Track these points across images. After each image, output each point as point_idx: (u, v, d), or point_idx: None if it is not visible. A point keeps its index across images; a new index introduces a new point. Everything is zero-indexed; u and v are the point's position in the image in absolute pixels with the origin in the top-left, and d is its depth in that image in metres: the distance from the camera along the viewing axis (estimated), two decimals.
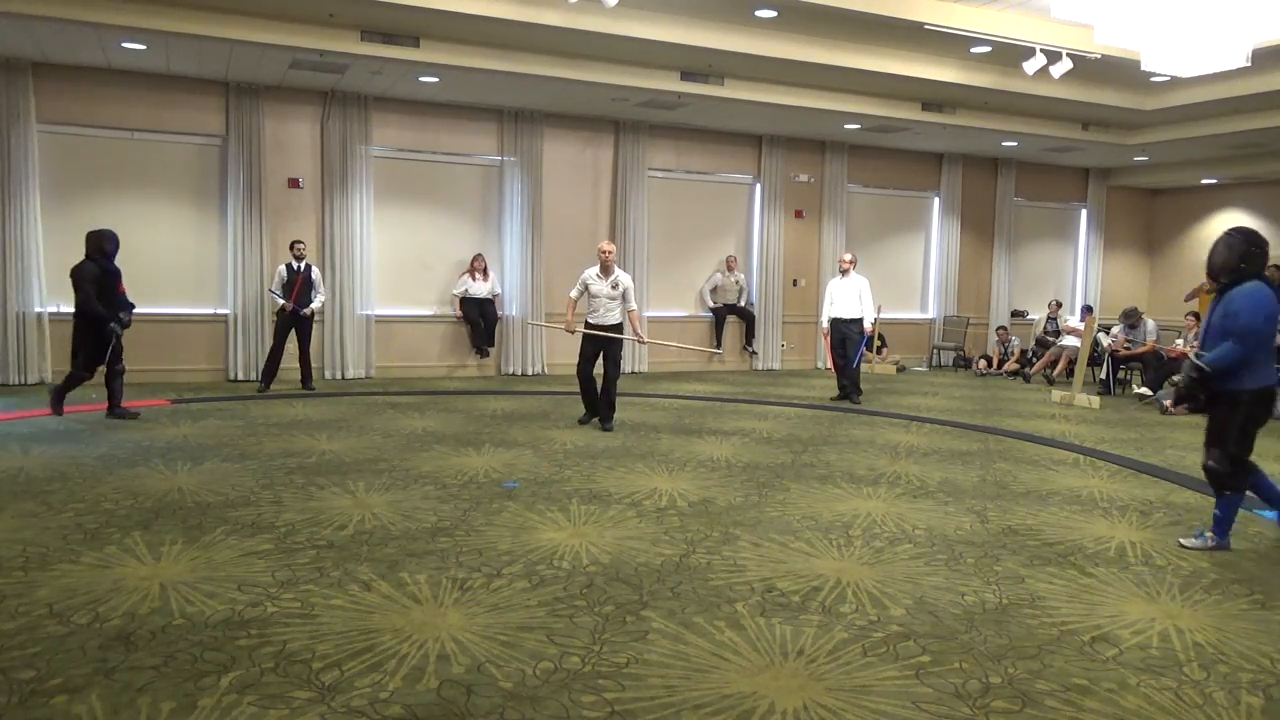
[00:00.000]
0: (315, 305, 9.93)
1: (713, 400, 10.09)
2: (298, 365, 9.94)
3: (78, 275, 7.45)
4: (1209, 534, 4.82)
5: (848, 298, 9.90)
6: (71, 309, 7.77)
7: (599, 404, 8.02)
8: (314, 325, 10.11)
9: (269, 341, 9.97)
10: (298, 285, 9.69)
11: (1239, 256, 4.63)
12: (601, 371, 7.94)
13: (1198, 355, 4.69)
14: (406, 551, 4.40)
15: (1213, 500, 4.92)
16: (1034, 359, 13.25)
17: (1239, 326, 4.53)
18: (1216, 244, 4.73)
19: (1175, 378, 4.97)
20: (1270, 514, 5.18)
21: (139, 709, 2.80)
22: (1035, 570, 4.39)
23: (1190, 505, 5.76)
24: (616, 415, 8.19)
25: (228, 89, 10.31)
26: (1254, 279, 4.62)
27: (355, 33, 8.67)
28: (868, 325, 9.98)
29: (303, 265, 9.80)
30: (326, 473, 6.01)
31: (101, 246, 7.49)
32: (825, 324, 10.16)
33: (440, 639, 3.38)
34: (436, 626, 3.50)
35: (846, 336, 9.94)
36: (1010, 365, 13.42)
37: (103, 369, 7.74)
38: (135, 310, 7.93)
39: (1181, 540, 4.90)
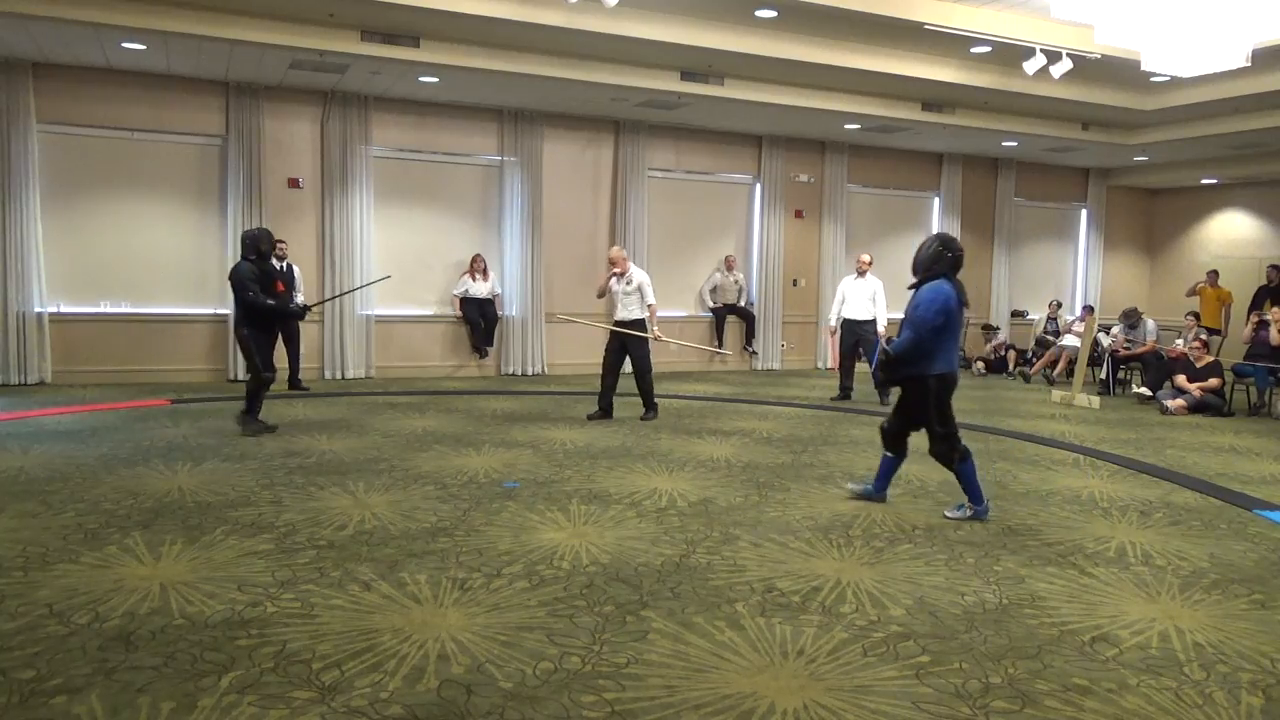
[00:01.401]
0: (298, 303, 9.80)
1: (713, 400, 10.09)
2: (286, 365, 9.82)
3: (238, 277, 7.12)
4: (967, 504, 5.30)
5: (861, 299, 9.89)
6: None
7: (611, 403, 8.45)
8: (300, 325, 9.93)
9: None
10: (281, 286, 9.59)
11: (932, 258, 5.26)
12: (630, 370, 8.43)
13: (889, 341, 5.39)
14: (406, 551, 4.40)
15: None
16: (1034, 359, 13.25)
17: (917, 318, 5.14)
18: (921, 245, 5.36)
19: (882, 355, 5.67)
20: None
21: (139, 709, 2.80)
22: (1035, 570, 4.39)
23: (1190, 505, 5.77)
24: (655, 411, 8.55)
25: (228, 89, 10.30)
26: (941, 278, 5.21)
27: (355, 33, 8.67)
28: (881, 327, 9.84)
29: (284, 265, 9.71)
30: (326, 473, 6.01)
31: (258, 247, 7.22)
32: (834, 323, 10.20)
33: (440, 639, 3.38)
34: (436, 626, 3.50)
35: (861, 338, 9.92)
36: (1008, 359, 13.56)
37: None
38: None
39: (946, 513, 5.35)
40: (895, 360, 5.25)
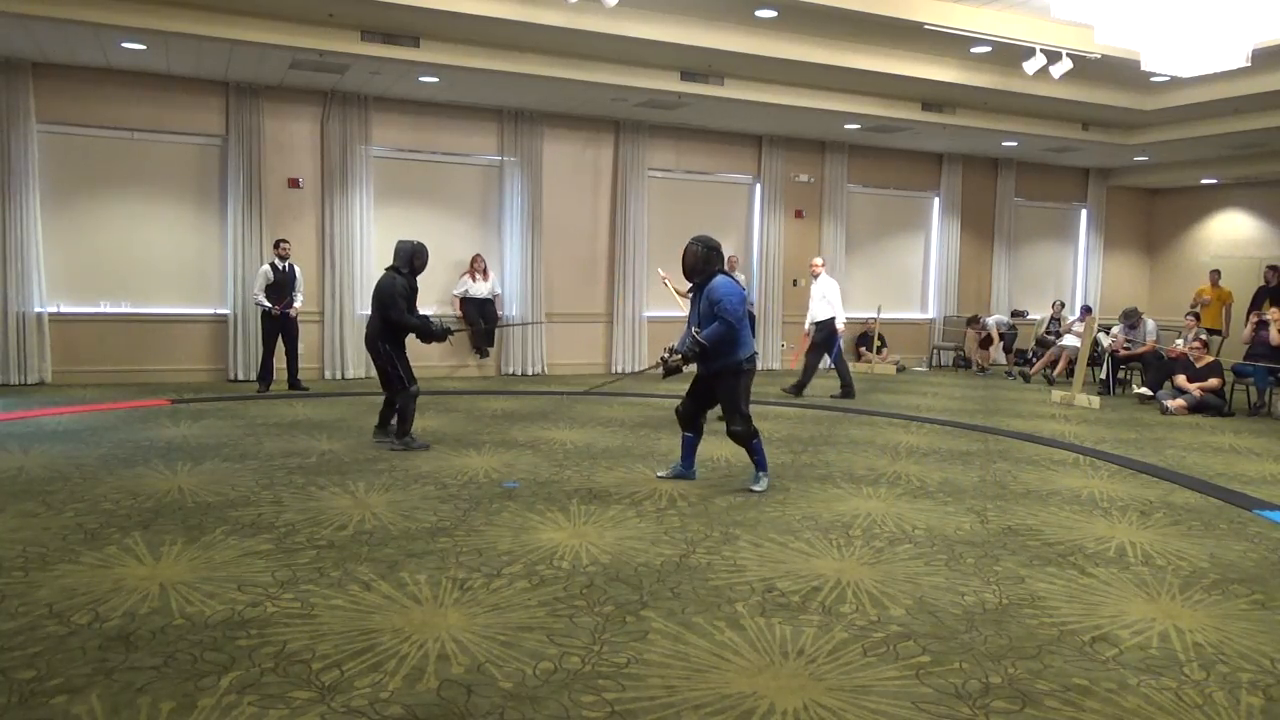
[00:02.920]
0: (298, 305, 9.79)
1: None
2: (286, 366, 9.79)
3: (389, 292, 6.68)
4: (761, 474, 5.88)
5: (816, 299, 10.26)
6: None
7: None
8: (299, 325, 9.90)
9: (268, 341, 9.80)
10: (286, 286, 9.57)
11: (703, 259, 5.77)
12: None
13: (698, 331, 5.69)
14: (406, 551, 4.40)
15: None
16: (1034, 359, 13.25)
17: (726, 311, 5.59)
18: (685, 251, 5.81)
19: (672, 347, 5.94)
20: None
21: (139, 709, 2.80)
22: (1035, 570, 4.39)
23: (1190, 505, 5.76)
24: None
25: (228, 89, 10.31)
26: (719, 274, 5.74)
27: (355, 33, 8.67)
28: (839, 325, 10.24)
29: (287, 265, 9.68)
30: (326, 473, 6.01)
31: (411, 262, 6.78)
32: (808, 325, 10.53)
33: (440, 639, 3.38)
34: (436, 626, 3.50)
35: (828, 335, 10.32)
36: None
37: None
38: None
39: (752, 487, 5.81)
40: (706, 352, 5.68)
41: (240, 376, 10.37)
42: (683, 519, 5.12)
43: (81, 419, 7.75)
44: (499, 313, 11.63)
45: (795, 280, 13.48)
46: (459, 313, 11.41)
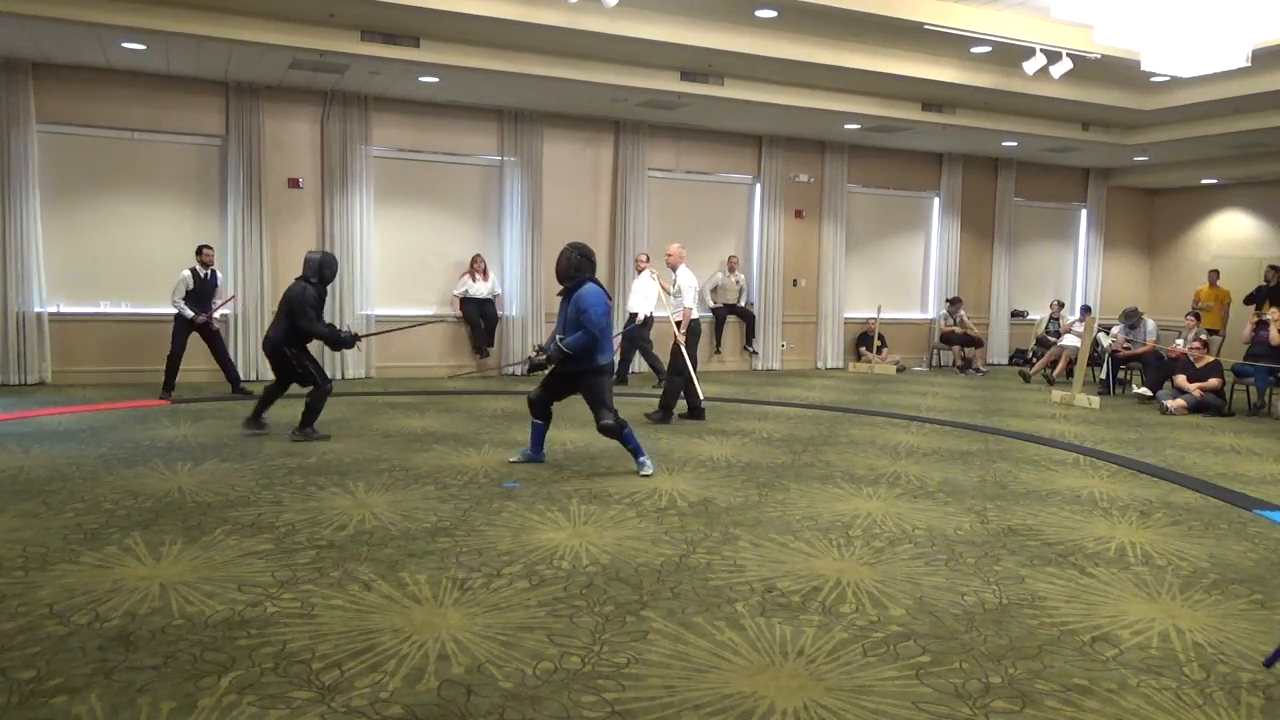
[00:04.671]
0: (219, 315, 9.53)
1: (712, 400, 10.08)
2: (221, 369, 9.51)
3: (299, 300, 7.00)
4: (642, 460, 6.18)
5: (637, 293, 10.39)
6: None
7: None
8: (221, 331, 9.60)
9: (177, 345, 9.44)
10: (206, 294, 9.24)
11: (575, 266, 6.10)
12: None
13: (561, 339, 6.05)
14: (406, 551, 4.40)
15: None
16: (1034, 358, 13.25)
17: (589, 320, 5.95)
18: (560, 256, 6.16)
19: (540, 346, 6.43)
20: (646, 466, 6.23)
21: (139, 709, 2.80)
22: (1035, 570, 4.39)
23: (1190, 505, 5.77)
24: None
25: (227, 89, 10.31)
26: (588, 282, 6.08)
27: (355, 33, 8.66)
28: (641, 316, 10.35)
29: (209, 272, 9.30)
30: (326, 473, 6.01)
31: (321, 272, 7.12)
32: (642, 316, 10.50)
33: (440, 639, 3.38)
34: (436, 626, 3.50)
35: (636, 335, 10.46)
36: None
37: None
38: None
39: (641, 472, 6.11)
40: (570, 356, 6.04)
41: (240, 377, 10.34)
42: (683, 519, 5.12)
43: (81, 419, 7.75)
44: (499, 313, 11.63)
45: (795, 280, 13.48)
46: (459, 313, 11.41)
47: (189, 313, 9.12)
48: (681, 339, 8.35)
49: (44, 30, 8.27)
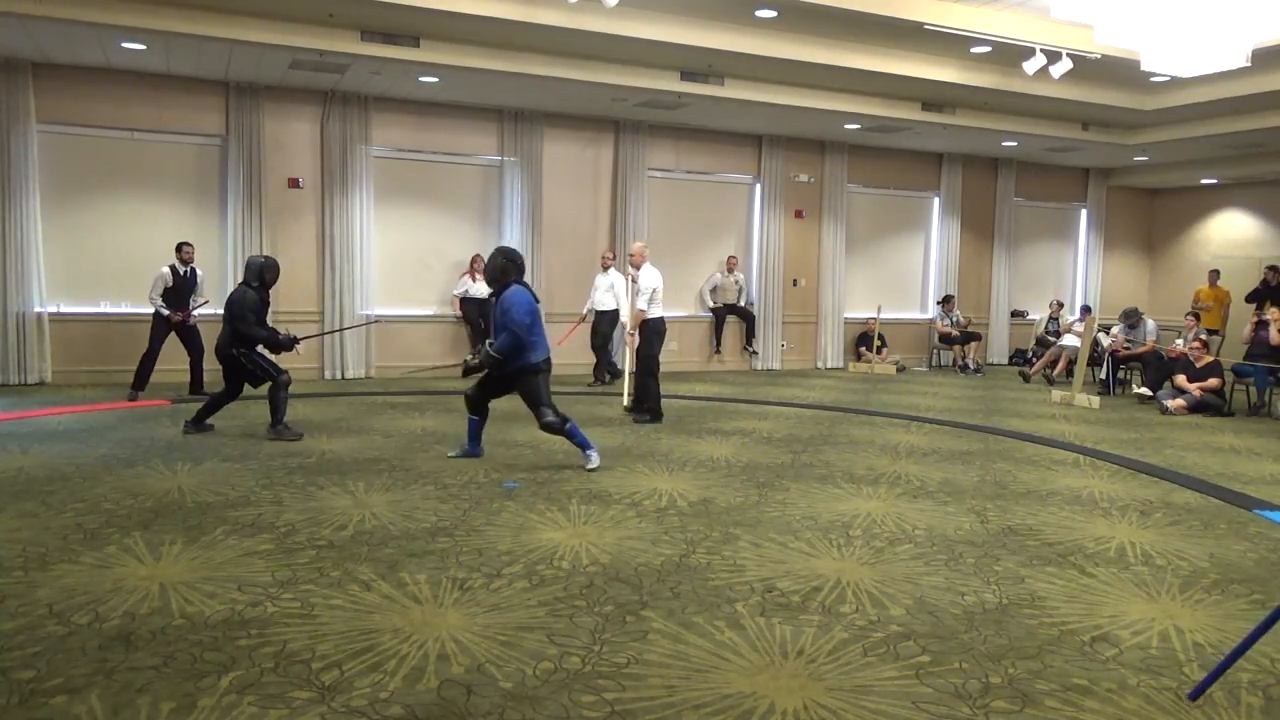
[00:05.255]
0: (198, 313, 9.36)
1: (713, 400, 10.09)
2: (188, 369, 9.33)
3: (239, 305, 7.07)
4: (588, 452, 6.33)
5: (604, 291, 10.71)
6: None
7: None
8: (199, 331, 9.36)
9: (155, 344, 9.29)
10: (186, 292, 9.12)
11: (500, 270, 6.26)
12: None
13: (490, 344, 6.20)
14: (406, 551, 4.40)
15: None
16: (1034, 358, 13.24)
17: (512, 322, 6.09)
18: (488, 261, 6.38)
19: (474, 351, 6.70)
20: (592, 453, 6.39)
21: (139, 709, 2.80)
22: (1035, 570, 4.39)
23: (1190, 505, 5.77)
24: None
25: (228, 89, 10.31)
26: (515, 284, 6.23)
27: (355, 33, 8.66)
28: (623, 317, 10.36)
29: (188, 270, 9.19)
30: (326, 473, 6.01)
31: (262, 276, 7.19)
32: (585, 310, 10.92)
33: (440, 639, 3.38)
34: (436, 626, 3.50)
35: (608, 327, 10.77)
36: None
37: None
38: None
39: (585, 467, 6.24)
40: (500, 359, 6.18)
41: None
42: (683, 519, 5.12)
43: (81, 419, 7.75)
44: None
45: (795, 280, 13.48)
46: (459, 313, 11.42)
47: (165, 310, 8.99)
48: (631, 340, 8.47)
49: (44, 30, 8.27)
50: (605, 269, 10.90)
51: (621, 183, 12.17)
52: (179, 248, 9.20)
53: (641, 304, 8.33)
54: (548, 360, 6.31)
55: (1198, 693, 3.08)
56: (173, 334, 9.15)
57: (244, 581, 3.93)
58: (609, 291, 10.77)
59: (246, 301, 7.09)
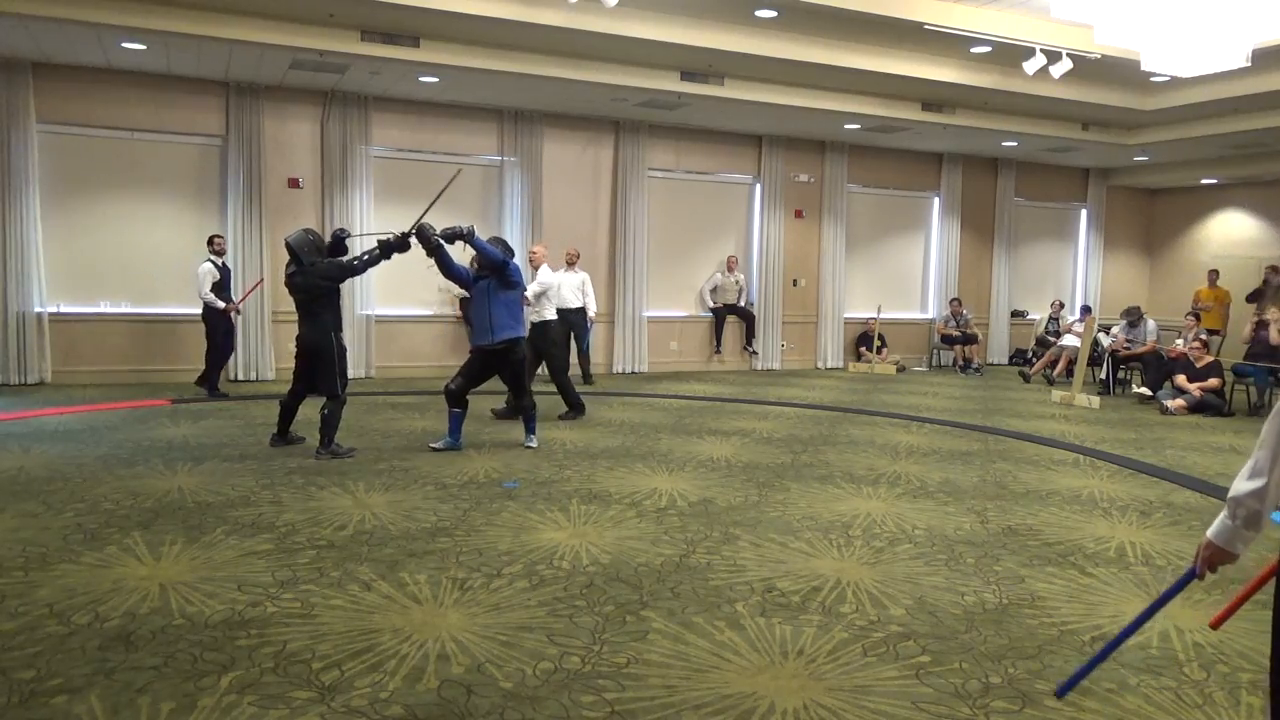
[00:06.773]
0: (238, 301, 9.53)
1: (713, 400, 10.09)
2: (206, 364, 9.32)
3: (330, 270, 6.64)
4: (532, 437, 7.00)
5: (573, 289, 10.59)
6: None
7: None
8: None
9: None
10: (226, 284, 9.23)
11: (503, 246, 6.97)
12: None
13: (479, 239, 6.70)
14: (406, 551, 4.40)
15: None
16: (1034, 359, 13.24)
17: (518, 280, 6.72)
18: (490, 243, 6.96)
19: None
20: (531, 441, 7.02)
21: (139, 709, 2.80)
22: (1035, 570, 4.39)
23: (1190, 505, 5.76)
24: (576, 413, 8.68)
25: (228, 89, 10.30)
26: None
27: (355, 33, 8.66)
28: (591, 313, 10.86)
29: (223, 261, 9.34)
30: (326, 473, 6.01)
31: (317, 244, 6.68)
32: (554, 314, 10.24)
33: (440, 639, 3.38)
34: (436, 626, 3.50)
35: (574, 325, 10.60)
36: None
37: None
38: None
39: (526, 444, 6.93)
40: (476, 249, 6.78)
41: (241, 376, 10.37)
42: (683, 519, 5.12)
43: (81, 419, 7.75)
44: None
45: (795, 280, 13.48)
46: (459, 313, 11.41)
47: (220, 303, 9.12)
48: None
49: (44, 30, 8.27)
50: (571, 265, 10.70)
51: (621, 183, 12.17)
52: (211, 240, 9.31)
53: (532, 295, 8.50)
54: (524, 340, 6.88)
55: (1065, 690, 3.01)
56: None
57: (244, 581, 3.93)
58: (577, 290, 10.67)
59: (333, 266, 6.59)
